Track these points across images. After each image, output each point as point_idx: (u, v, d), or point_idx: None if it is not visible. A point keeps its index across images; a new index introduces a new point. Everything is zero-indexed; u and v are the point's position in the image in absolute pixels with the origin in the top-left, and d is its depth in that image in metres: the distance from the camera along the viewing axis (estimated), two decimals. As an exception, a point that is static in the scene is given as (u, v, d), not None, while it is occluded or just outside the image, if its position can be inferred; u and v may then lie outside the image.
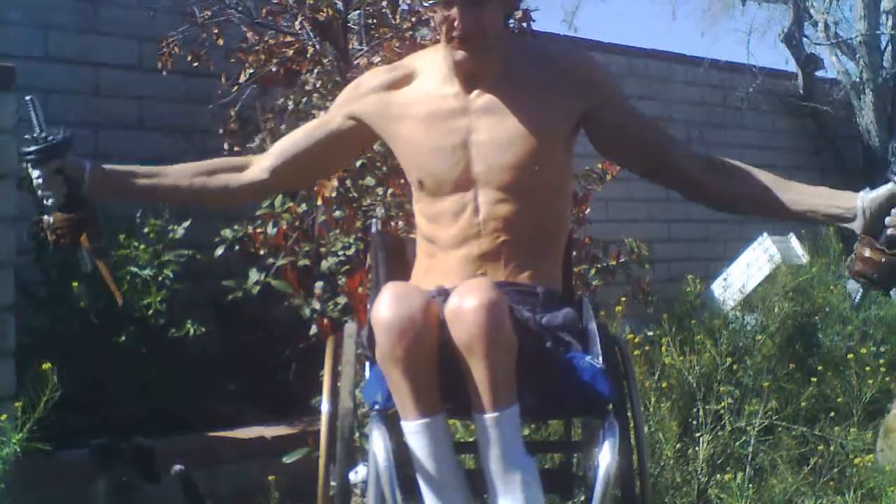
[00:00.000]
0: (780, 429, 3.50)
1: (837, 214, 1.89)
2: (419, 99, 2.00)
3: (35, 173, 1.93)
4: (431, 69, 2.01)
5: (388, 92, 2.03)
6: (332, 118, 2.10)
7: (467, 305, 1.69)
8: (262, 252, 3.60)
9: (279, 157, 2.10)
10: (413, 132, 1.99)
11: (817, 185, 1.97)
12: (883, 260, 1.81)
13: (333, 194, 3.42)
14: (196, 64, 3.95)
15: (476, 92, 1.97)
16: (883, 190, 1.83)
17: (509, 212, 1.95)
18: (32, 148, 1.91)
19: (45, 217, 1.96)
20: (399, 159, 2.07)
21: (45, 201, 1.95)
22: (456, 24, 1.88)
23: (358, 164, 3.41)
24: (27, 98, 1.97)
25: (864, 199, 1.85)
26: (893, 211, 1.82)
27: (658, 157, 2.02)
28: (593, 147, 2.10)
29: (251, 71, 3.91)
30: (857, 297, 1.96)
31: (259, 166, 2.10)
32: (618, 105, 2.03)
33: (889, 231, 1.82)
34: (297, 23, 3.83)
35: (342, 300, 3.41)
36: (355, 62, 3.67)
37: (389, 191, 3.38)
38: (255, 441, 3.48)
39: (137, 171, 2.07)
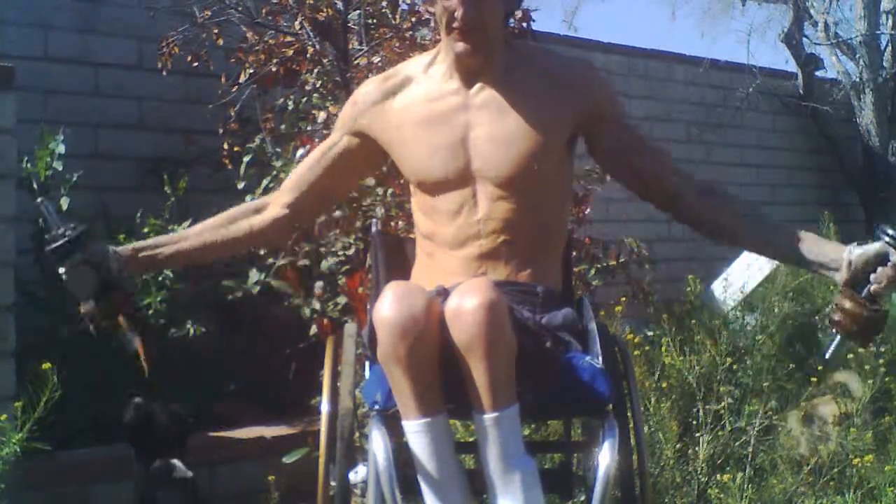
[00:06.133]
0: (779, 429, 3.50)
1: (823, 263, 1.88)
2: (417, 101, 2.00)
3: (61, 269, 1.94)
4: (429, 70, 2.02)
5: (385, 101, 2.03)
6: (336, 140, 2.11)
7: (467, 305, 1.69)
8: (262, 252, 3.60)
9: (294, 190, 2.10)
10: (413, 134, 1.99)
11: (809, 230, 1.94)
12: (864, 314, 1.80)
13: (333, 194, 3.42)
14: (196, 64, 3.95)
15: (476, 88, 1.97)
16: (874, 247, 1.82)
17: (508, 210, 1.95)
18: (53, 246, 1.92)
19: (81, 306, 1.97)
20: (398, 163, 2.06)
21: (76, 294, 1.96)
22: (457, 14, 1.88)
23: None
24: (38, 201, 2.02)
25: (851, 253, 1.83)
26: (880, 269, 1.80)
27: (649, 179, 2.03)
28: (589, 156, 2.10)
29: (251, 71, 3.91)
30: (832, 347, 1.90)
31: (276, 204, 2.10)
32: (615, 121, 2.03)
33: (873, 287, 1.80)
34: (297, 23, 3.83)
35: (342, 300, 3.41)
36: (355, 62, 3.67)
37: (389, 190, 3.38)
38: (255, 441, 3.49)
39: (160, 242, 2.07)
